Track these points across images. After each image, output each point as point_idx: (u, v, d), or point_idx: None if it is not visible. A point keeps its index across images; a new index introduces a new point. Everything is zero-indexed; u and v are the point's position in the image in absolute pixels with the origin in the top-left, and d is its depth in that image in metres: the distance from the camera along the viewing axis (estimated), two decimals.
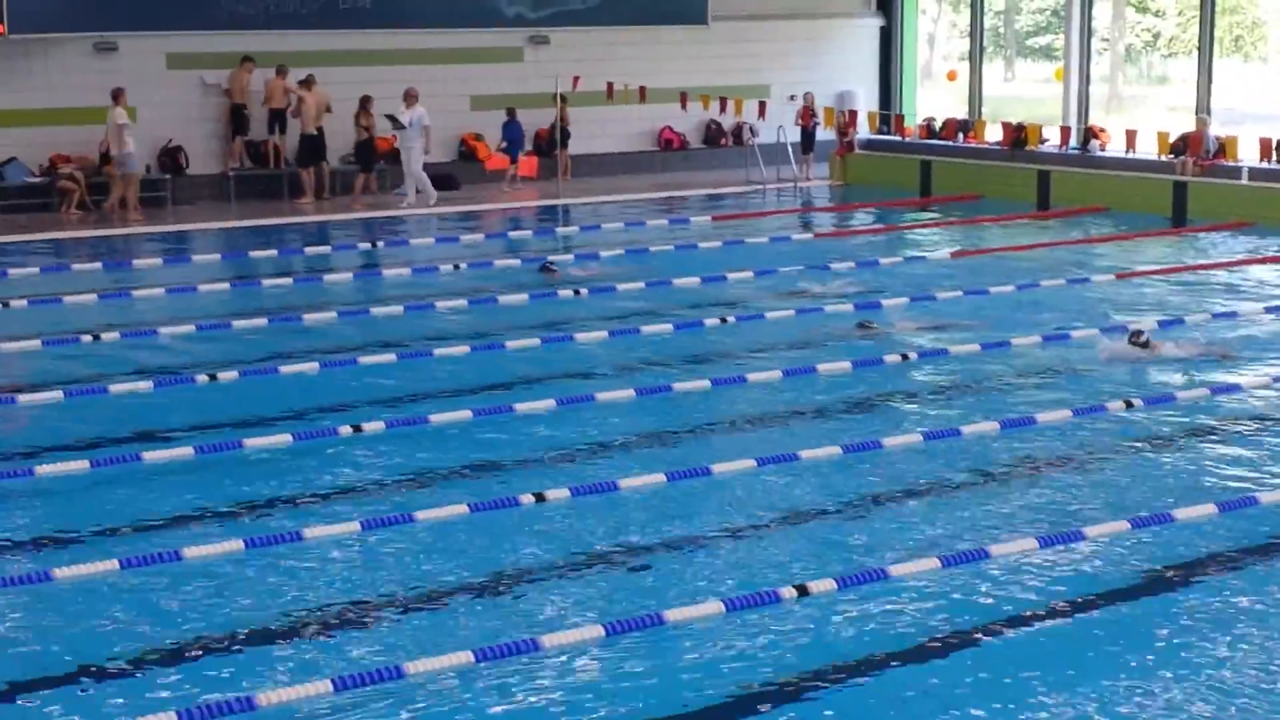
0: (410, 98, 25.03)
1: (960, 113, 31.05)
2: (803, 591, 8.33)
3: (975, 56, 31.40)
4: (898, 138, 29.76)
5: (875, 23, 31.89)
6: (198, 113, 25.86)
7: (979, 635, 7.97)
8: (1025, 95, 35.16)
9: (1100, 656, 7.71)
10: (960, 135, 29.37)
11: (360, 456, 11.15)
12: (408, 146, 25.11)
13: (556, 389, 12.87)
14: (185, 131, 25.82)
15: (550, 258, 18.93)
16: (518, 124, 27.37)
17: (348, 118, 26.22)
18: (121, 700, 7.25)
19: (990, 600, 8.43)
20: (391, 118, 25.18)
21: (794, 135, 27.98)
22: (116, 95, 23.52)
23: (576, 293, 17.24)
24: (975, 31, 31.52)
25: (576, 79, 26.44)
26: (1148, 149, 26.25)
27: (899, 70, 31.93)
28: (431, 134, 25.29)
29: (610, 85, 26.92)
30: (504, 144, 27.39)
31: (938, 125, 30.02)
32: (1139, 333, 14.14)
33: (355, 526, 9.45)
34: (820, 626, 8.09)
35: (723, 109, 27.80)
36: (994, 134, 28.83)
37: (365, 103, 25.95)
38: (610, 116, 28.30)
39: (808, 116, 28.18)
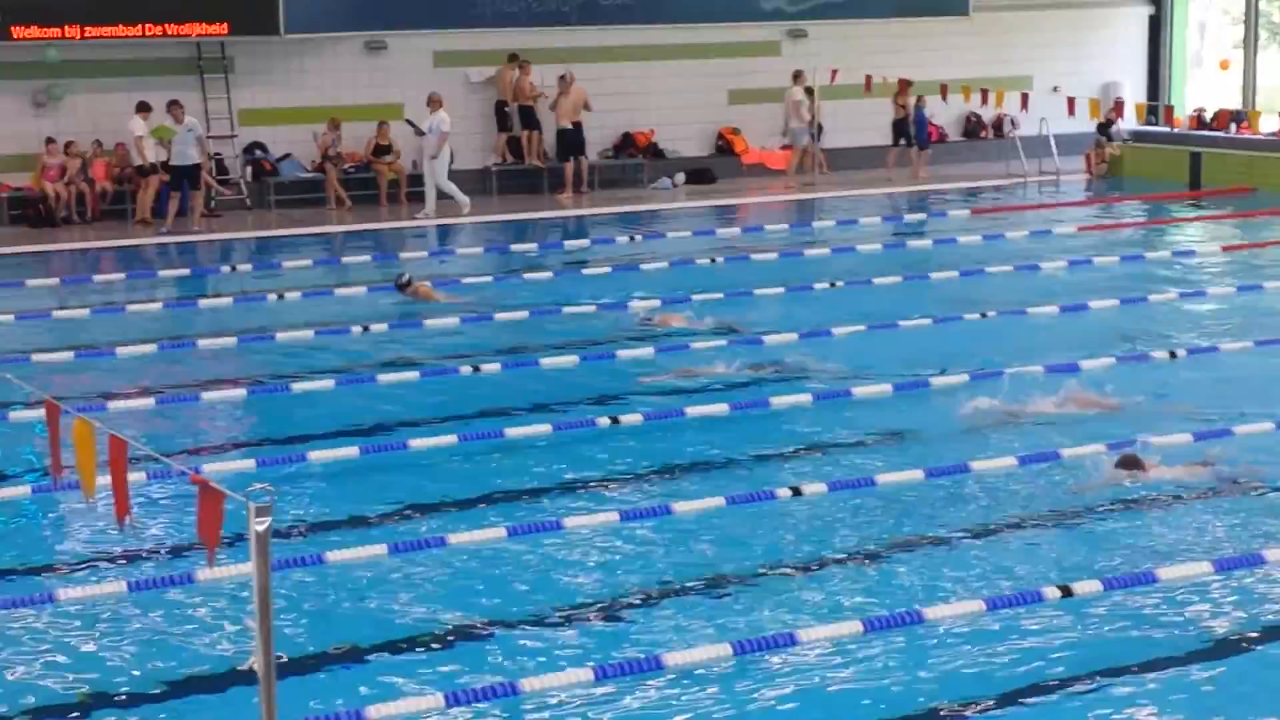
0: (433, 103, 23.89)
1: (1233, 103, 29.99)
2: (1067, 592, 8.16)
3: (1249, 44, 30.31)
4: (1166, 129, 28.87)
5: (1144, 11, 31.00)
6: (462, 109, 26.45)
7: (1249, 639, 7.72)
8: None
9: None
10: (1233, 126, 28.34)
11: (618, 447, 11.27)
12: (429, 155, 23.90)
13: (810, 384, 12.81)
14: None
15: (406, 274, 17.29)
16: (922, 112, 27.34)
17: (608, 113, 26.53)
18: (389, 679, 7.46)
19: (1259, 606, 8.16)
20: (410, 123, 24.98)
21: (1057, 127, 27.38)
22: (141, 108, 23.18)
23: (832, 285, 17.14)
24: (1249, 18, 30.42)
25: (834, 72, 26.30)
26: None
27: (1168, 59, 30.99)
28: (447, 141, 23.71)
29: (869, 78, 26.70)
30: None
31: (1208, 116, 29.04)
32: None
33: (614, 516, 9.56)
34: (1086, 627, 7.92)
35: (983, 101, 27.37)
36: (1269, 124, 27.75)
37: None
38: (868, 109, 28.06)
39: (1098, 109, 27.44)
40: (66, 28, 23.27)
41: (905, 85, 27.14)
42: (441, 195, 23.88)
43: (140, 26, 23.63)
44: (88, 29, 23.35)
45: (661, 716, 7.09)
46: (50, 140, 23.30)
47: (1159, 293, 16.47)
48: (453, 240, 22.27)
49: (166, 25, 23.80)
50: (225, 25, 24.01)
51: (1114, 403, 11.98)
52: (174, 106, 22.89)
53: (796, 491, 9.89)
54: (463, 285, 17.73)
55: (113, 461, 5.65)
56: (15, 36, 23.10)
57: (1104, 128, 27.95)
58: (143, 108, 22.96)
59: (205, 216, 23.89)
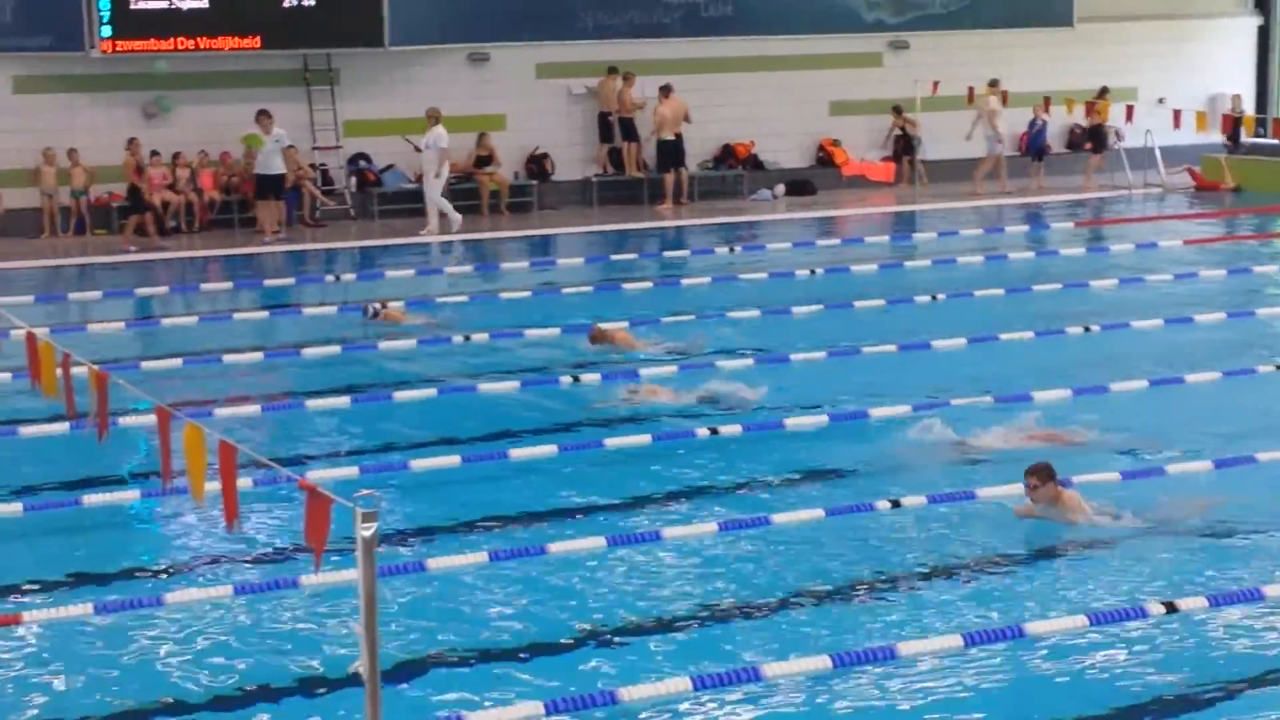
0: (430, 118, 23.64)
1: None
2: (1171, 608, 8.08)
3: None
4: (1276, 141, 28.43)
5: (1253, 22, 30.60)
6: (564, 121, 26.61)
7: None
8: None
9: None
10: None
11: (717, 459, 11.29)
12: (430, 171, 23.61)
13: (911, 396, 12.76)
14: (552, 139, 26.60)
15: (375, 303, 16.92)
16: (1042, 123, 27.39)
17: (706, 124, 26.58)
18: (489, 686, 7.53)
19: None
20: (408, 139, 24.89)
21: (1162, 140, 27.07)
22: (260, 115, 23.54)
23: (934, 298, 17.07)
24: None
25: (935, 84, 26.18)
26: None
27: (1277, 71, 30.54)
28: (447, 156, 23.48)
29: (971, 89, 26.56)
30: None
31: None
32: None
33: (712, 528, 9.59)
34: (1189, 643, 7.84)
35: (1087, 113, 27.13)
36: None
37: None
38: (970, 121, 27.92)
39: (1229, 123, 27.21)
40: (176, 40, 23.70)
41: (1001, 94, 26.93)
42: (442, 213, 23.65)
43: (249, 39, 24.03)
44: (197, 41, 23.76)
45: None
46: (155, 153, 23.71)
47: (1266, 306, 16.23)
48: (555, 251, 22.40)
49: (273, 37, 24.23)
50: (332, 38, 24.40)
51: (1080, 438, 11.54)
52: (262, 116, 23.20)
53: (896, 504, 9.86)
54: (433, 305, 17.54)
55: (223, 467, 5.76)
56: (126, 49, 23.53)
57: (1231, 139, 27.60)
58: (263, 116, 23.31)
59: (309, 226, 24.26)
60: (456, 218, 23.56)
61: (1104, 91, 27.75)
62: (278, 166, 23.40)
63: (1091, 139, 27.67)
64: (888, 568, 9.08)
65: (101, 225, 24.13)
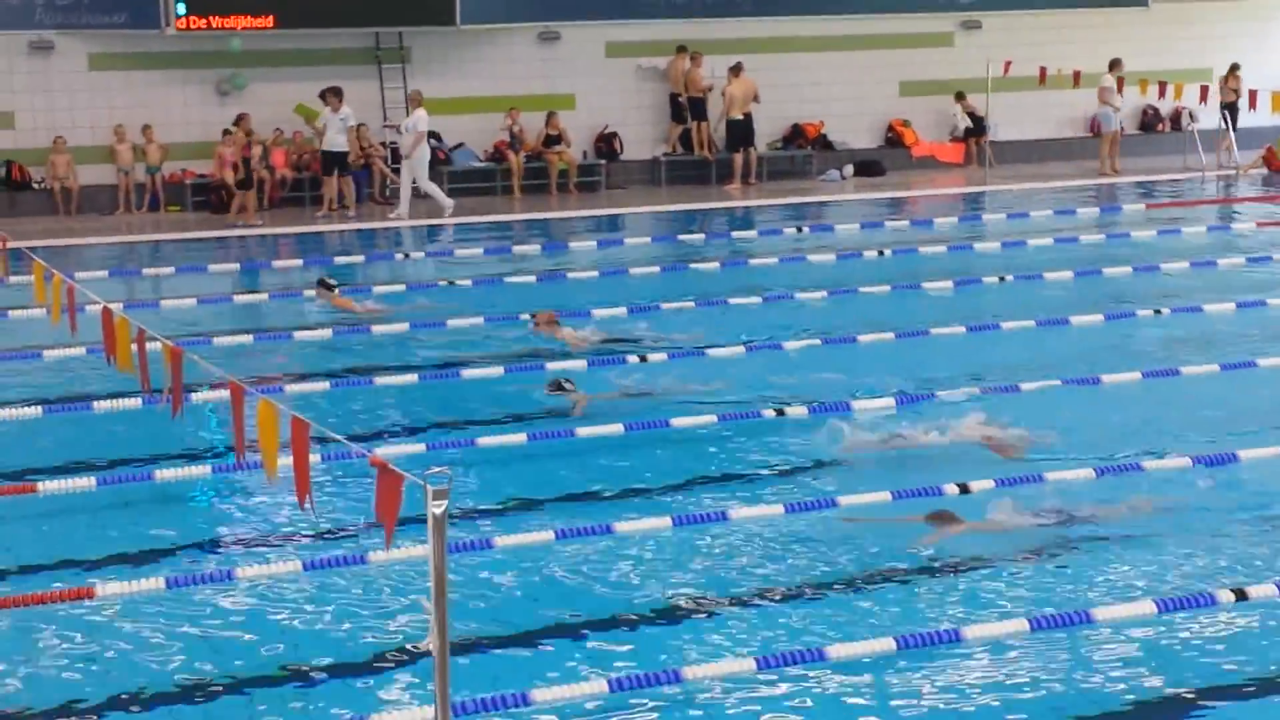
0: (412, 100, 23.41)
1: None
2: (1240, 595, 8.03)
3: None
4: None
5: None
6: (633, 100, 26.60)
7: None
8: None
9: None
10: None
11: (782, 440, 11.29)
12: (404, 154, 23.29)
13: (974, 379, 12.70)
14: (621, 118, 26.60)
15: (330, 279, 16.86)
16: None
17: (775, 104, 26.51)
18: (554, 663, 7.59)
19: None
20: (388, 124, 24.76)
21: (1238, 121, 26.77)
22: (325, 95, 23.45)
23: (1001, 279, 16.97)
24: None
25: (1008, 63, 25.97)
26: None
27: None
28: (419, 140, 22.93)
29: (1043, 70, 26.32)
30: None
31: None
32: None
33: (779, 509, 9.59)
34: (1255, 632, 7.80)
35: (1161, 94, 26.82)
36: None
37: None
38: (1042, 101, 27.69)
39: None
40: (250, 18, 23.88)
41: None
42: (420, 195, 23.46)
43: (322, 17, 24.19)
44: (271, 18, 23.94)
45: (823, 709, 7.12)
46: (227, 131, 23.89)
47: None
48: (622, 229, 22.42)
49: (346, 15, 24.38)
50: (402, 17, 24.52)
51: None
52: (330, 94, 23.32)
53: (964, 489, 9.81)
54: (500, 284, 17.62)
55: (295, 443, 5.82)
56: (199, 27, 23.73)
57: None
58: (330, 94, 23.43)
59: (379, 203, 24.41)
60: (448, 203, 23.32)
61: (1235, 68, 27.41)
62: (342, 144, 23.55)
63: (1227, 113, 27.24)
64: (957, 551, 9.06)
65: (174, 201, 24.37)
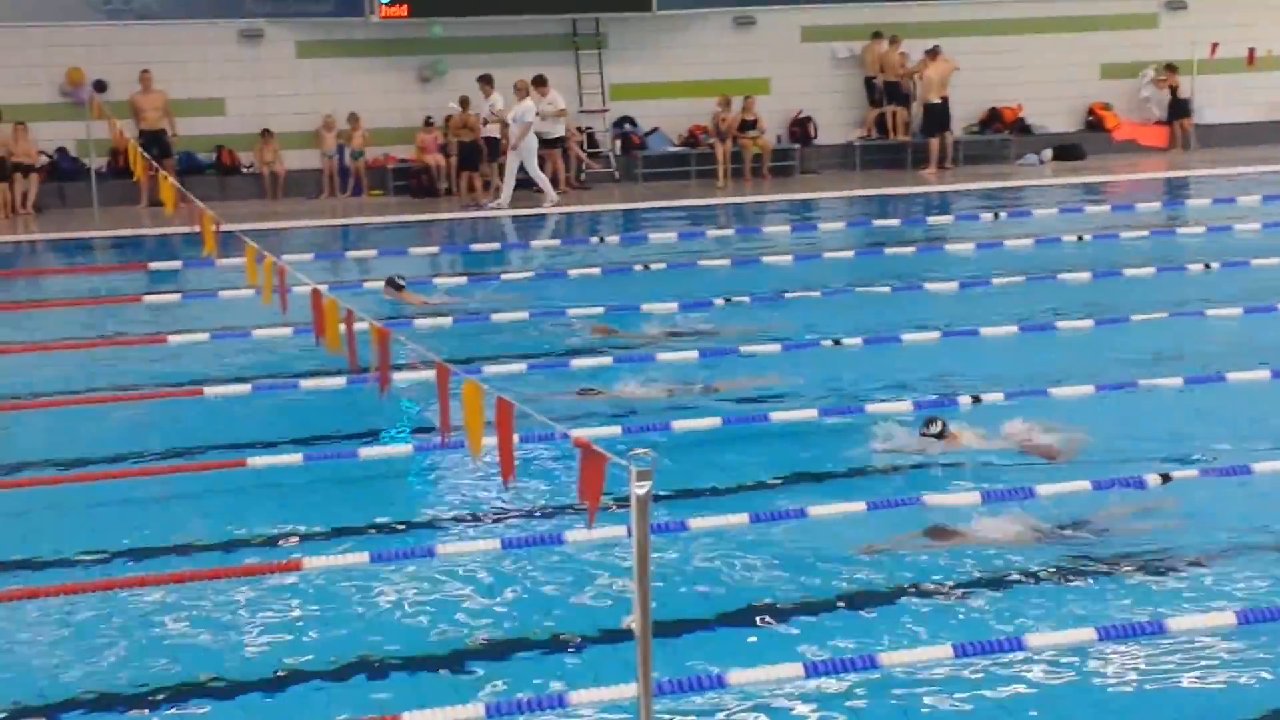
0: (519, 91, 23.23)
1: None
2: None
3: None
4: None
5: None
6: (828, 84, 26.50)
7: None
8: None
9: None
10: None
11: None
12: (510, 145, 23.24)
13: (1186, 365, 12.41)
14: (815, 102, 26.52)
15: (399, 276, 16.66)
16: None
17: (974, 87, 26.19)
18: (750, 645, 7.63)
19: None
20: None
21: None
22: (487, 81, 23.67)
23: (1206, 267, 16.56)
24: None
25: (1214, 45, 25.31)
26: None
27: None
28: (525, 131, 22.98)
29: (1251, 51, 25.61)
30: None
31: None
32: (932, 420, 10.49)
33: (976, 497, 9.48)
34: None
35: None
36: None
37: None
38: (1251, 84, 26.94)
39: None
40: (450, 6, 24.30)
41: None
42: (526, 185, 23.38)
43: (521, 3, 24.52)
44: (471, 6, 24.33)
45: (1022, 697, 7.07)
46: (429, 119, 24.32)
47: None
48: (817, 213, 22.35)
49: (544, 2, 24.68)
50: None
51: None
52: (483, 82, 23.56)
53: (1166, 478, 9.62)
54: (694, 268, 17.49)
55: (499, 422, 5.91)
56: (401, 15, 24.21)
57: None
58: (485, 81, 23.66)
59: (575, 188, 24.65)
60: (553, 196, 23.28)
61: None
62: (491, 132, 23.81)
63: None
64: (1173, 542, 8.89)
65: (377, 186, 24.90)
